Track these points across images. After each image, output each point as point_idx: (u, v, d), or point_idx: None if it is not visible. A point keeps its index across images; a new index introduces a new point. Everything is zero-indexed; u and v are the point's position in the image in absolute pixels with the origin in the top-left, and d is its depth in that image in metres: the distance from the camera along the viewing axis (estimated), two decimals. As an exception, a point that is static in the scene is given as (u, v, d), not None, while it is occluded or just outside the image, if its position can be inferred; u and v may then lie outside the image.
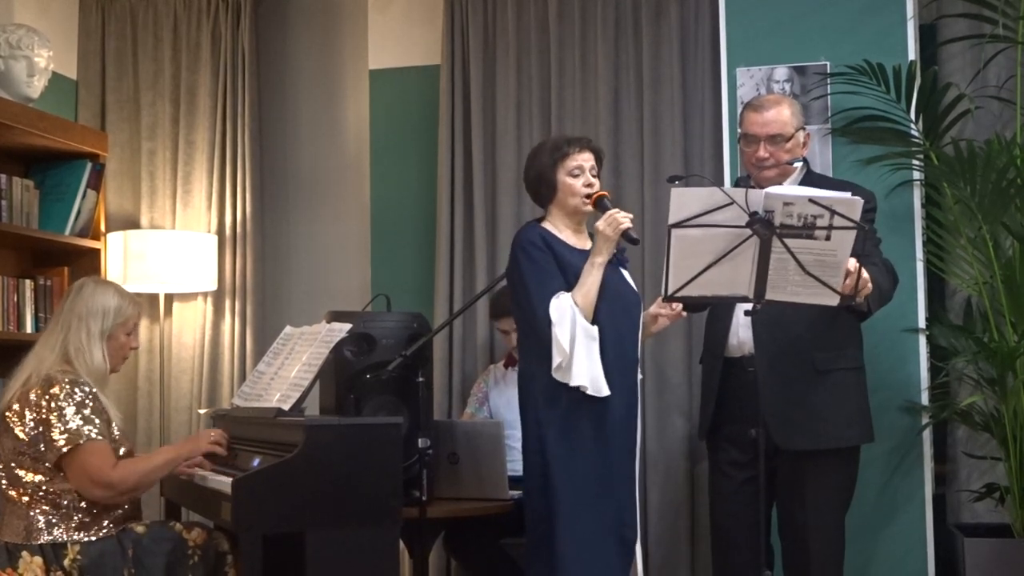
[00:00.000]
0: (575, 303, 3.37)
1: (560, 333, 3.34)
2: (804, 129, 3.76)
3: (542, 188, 3.57)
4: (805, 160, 3.79)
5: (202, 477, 3.52)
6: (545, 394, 3.40)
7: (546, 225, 3.57)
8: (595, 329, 3.37)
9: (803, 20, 4.24)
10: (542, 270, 3.44)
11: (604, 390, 3.35)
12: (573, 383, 3.32)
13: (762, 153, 3.67)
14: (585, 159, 3.54)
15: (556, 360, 3.34)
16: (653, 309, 3.61)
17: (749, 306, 3.58)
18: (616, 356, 3.41)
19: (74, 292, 3.53)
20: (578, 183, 3.52)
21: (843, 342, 3.65)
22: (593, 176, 3.54)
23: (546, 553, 3.37)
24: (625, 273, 3.61)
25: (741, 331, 3.66)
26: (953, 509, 4.38)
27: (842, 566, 3.73)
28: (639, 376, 3.58)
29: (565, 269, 3.44)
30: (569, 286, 3.41)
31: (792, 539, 3.69)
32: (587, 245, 3.54)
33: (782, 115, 3.68)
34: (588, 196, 3.51)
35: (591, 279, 3.39)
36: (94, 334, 3.46)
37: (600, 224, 3.41)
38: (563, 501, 3.35)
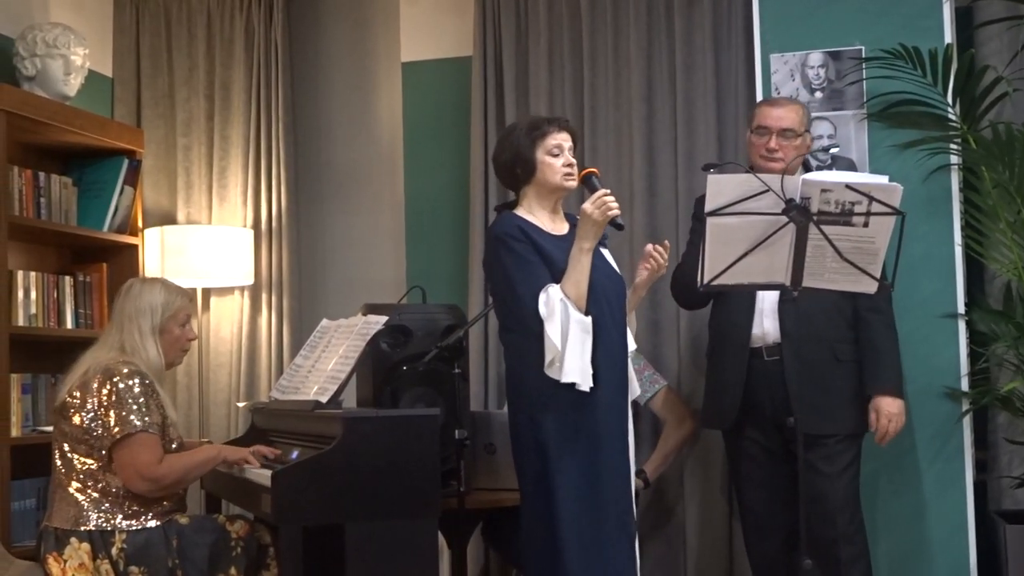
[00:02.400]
0: (565, 295, 3.26)
1: (551, 329, 3.23)
2: (809, 133, 3.96)
3: (518, 168, 3.43)
4: (804, 162, 3.88)
5: (241, 470, 3.54)
6: (537, 392, 3.29)
7: (520, 212, 3.45)
8: (589, 320, 3.27)
9: (837, 5, 4.21)
10: (526, 263, 3.32)
11: (589, 382, 3.26)
12: (564, 379, 3.21)
13: (772, 144, 3.85)
14: (564, 139, 3.43)
15: (548, 357, 3.23)
16: (637, 280, 3.55)
17: (773, 295, 3.68)
18: (605, 348, 3.32)
19: (123, 293, 3.62)
20: (558, 162, 3.41)
21: (853, 336, 3.82)
22: (571, 155, 3.43)
23: (548, 553, 3.28)
24: (606, 254, 3.50)
25: (767, 322, 3.82)
26: (994, 496, 4.35)
27: (867, 537, 3.84)
28: (632, 347, 3.51)
29: (545, 260, 3.32)
30: (553, 275, 3.31)
31: (817, 515, 3.72)
32: (563, 230, 3.42)
33: (795, 113, 3.91)
34: (569, 175, 3.40)
35: (580, 266, 3.27)
36: (145, 331, 3.53)
37: (588, 206, 3.27)
38: (564, 499, 3.26)
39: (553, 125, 3.45)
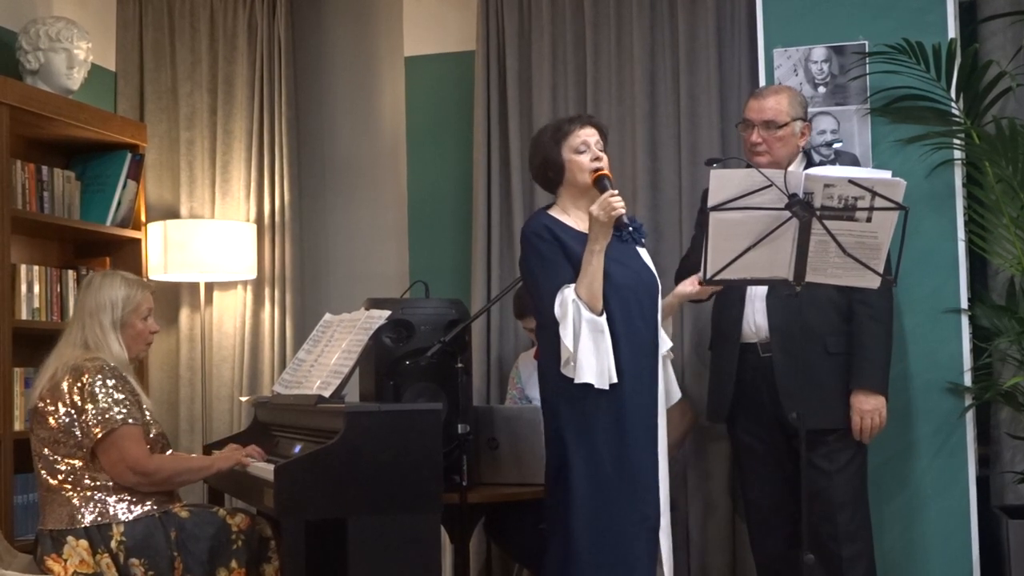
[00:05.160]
0: (578, 296, 3.30)
1: (564, 331, 3.28)
2: (804, 120, 3.88)
3: (549, 171, 3.49)
4: (806, 151, 3.93)
5: (243, 467, 3.54)
6: (559, 385, 3.34)
7: (553, 212, 3.50)
8: (603, 320, 3.30)
9: (840, -1, 4.21)
10: (549, 263, 3.38)
11: (611, 379, 3.29)
12: (579, 380, 3.26)
13: (755, 138, 3.83)
14: (589, 134, 3.45)
15: (563, 357, 3.29)
16: (681, 288, 3.61)
17: (764, 291, 3.69)
18: (629, 344, 3.35)
19: (83, 289, 3.61)
20: (585, 159, 3.43)
21: (845, 328, 3.78)
22: (600, 150, 3.45)
23: (562, 540, 3.33)
24: (642, 252, 3.53)
25: (757, 317, 3.81)
26: (997, 491, 4.35)
27: (871, 534, 3.83)
28: (668, 354, 3.53)
29: (571, 257, 3.36)
30: (576, 274, 3.33)
31: (819, 512, 3.73)
32: None
33: (779, 103, 3.83)
34: (595, 169, 3.42)
35: (592, 268, 3.30)
36: (107, 327, 3.52)
37: (594, 209, 3.30)
38: (578, 489, 3.30)
39: (575, 123, 3.48)
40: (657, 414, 3.45)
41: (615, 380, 3.29)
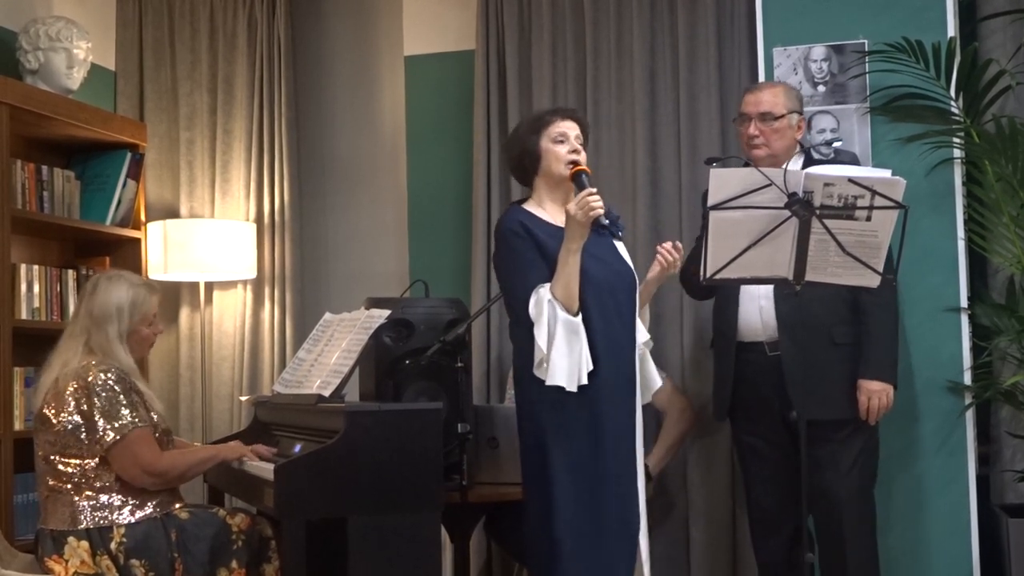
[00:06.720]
0: (554, 297, 3.23)
1: (538, 332, 3.21)
2: (800, 114, 3.89)
3: (526, 160, 3.42)
4: (803, 147, 3.94)
5: (241, 463, 3.54)
6: (537, 386, 3.26)
7: (528, 206, 3.43)
8: (579, 321, 3.23)
9: (840, -2, 4.21)
10: (523, 260, 3.31)
11: (581, 380, 3.22)
12: (550, 382, 3.19)
13: (752, 130, 3.83)
14: (569, 127, 3.40)
15: (536, 359, 3.23)
16: (650, 274, 3.54)
17: (769, 289, 3.70)
18: (606, 343, 3.28)
19: (87, 293, 3.56)
20: (562, 149, 3.37)
21: (852, 318, 3.76)
22: (579, 144, 3.39)
23: (545, 544, 3.28)
24: (619, 246, 3.46)
25: (765, 315, 3.79)
26: (997, 489, 4.35)
27: (875, 533, 3.82)
28: (647, 343, 3.49)
29: (546, 254, 3.29)
30: (551, 272, 3.27)
31: (824, 510, 3.73)
32: None
33: (775, 96, 3.86)
34: (574, 163, 3.36)
35: (568, 268, 3.22)
36: (112, 337, 3.49)
37: (571, 207, 3.20)
38: (560, 492, 3.24)
39: (556, 114, 3.43)
40: (636, 412, 3.40)
41: (584, 382, 3.22)
